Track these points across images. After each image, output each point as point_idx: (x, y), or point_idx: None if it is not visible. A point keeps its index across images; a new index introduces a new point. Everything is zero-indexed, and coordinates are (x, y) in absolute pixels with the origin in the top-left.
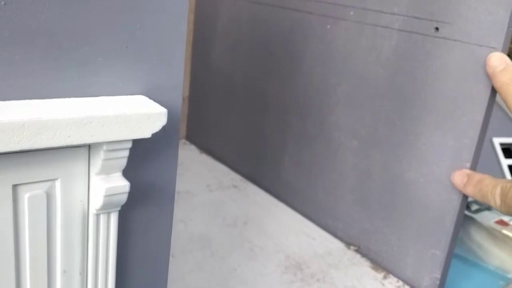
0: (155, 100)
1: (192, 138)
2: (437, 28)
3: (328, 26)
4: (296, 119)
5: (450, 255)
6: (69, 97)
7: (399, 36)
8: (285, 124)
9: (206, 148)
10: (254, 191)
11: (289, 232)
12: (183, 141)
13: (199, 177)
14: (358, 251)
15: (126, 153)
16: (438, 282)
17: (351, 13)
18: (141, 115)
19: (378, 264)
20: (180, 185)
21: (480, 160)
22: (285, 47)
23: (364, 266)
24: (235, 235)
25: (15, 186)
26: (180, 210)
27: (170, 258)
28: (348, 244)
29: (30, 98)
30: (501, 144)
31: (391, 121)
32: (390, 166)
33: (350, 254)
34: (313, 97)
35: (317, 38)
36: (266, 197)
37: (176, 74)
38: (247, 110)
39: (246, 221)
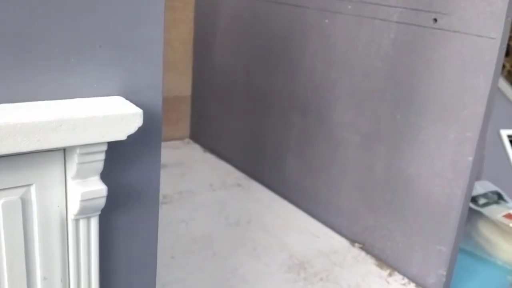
0: (133, 101)
1: (195, 137)
2: (435, 20)
3: (326, 21)
4: (298, 116)
5: (456, 251)
6: (41, 100)
7: (397, 29)
8: (287, 121)
9: (210, 147)
10: (257, 189)
11: (292, 230)
12: (186, 140)
13: (202, 176)
14: (363, 248)
15: (101, 156)
16: (444, 279)
17: (349, 6)
18: (115, 116)
19: (383, 262)
20: (183, 184)
21: (487, 152)
22: (285, 44)
23: (368, 263)
24: (238, 234)
25: None
26: (182, 210)
27: (170, 260)
28: (352, 241)
29: None
30: (509, 136)
31: (392, 115)
32: (393, 161)
33: (355, 252)
34: (314, 93)
35: (316, 33)
36: (270, 195)
37: (155, 73)
38: (249, 109)
39: (249, 220)
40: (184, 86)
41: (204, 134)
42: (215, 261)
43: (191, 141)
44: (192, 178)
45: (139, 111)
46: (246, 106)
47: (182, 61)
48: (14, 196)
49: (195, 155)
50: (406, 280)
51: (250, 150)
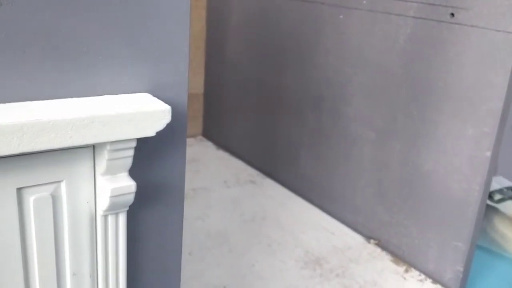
0: (160, 98)
1: (208, 134)
2: (452, 14)
3: (341, 16)
4: (311, 112)
5: (473, 247)
6: (71, 97)
7: (414, 24)
8: (301, 117)
9: (223, 144)
10: (271, 186)
11: (307, 226)
12: (199, 137)
13: (216, 173)
14: (378, 244)
15: (131, 153)
16: (461, 275)
17: (364, 1)
18: (144, 113)
19: (399, 258)
20: (197, 181)
21: (501, 147)
22: (298, 40)
23: (384, 260)
24: (253, 231)
25: (19, 189)
26: (197, 207)
27: (188, 256)
28: (368, 237)
29: (30, 100)
30: None
31: (408, 111)
32: (409, 157)
33: (370, 248)
34: (328, 89)
35: (330, 29)
36: (284, 191)
37: (181, 70)
38: (262, 105)
39: (264, 217)
40: (196, 83)
41: (217, 131)
42: (231, 257)
43: (204, 139)
44: (206, 175)
45: (167, 107)
46: (259, 103)
47: (194, 59)
48: (45, 192)
49: (208, 152)
50: (422, 276)
51: (263, 147)
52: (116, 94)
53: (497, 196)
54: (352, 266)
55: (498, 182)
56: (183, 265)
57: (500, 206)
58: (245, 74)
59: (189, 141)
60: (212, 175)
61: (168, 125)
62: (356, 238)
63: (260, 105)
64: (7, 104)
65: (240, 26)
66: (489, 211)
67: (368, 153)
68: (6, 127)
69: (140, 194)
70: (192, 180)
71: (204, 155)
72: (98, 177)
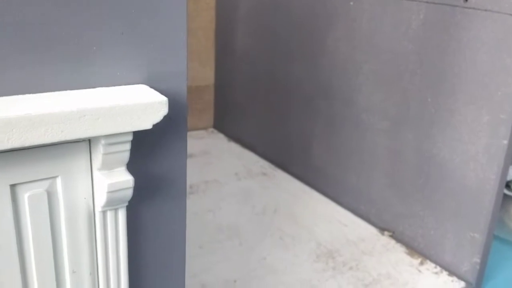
0: (157, 89)
1: (219, 126)
2: None
3: (351, 3)
4: (323, 102)
5: (490, 238)
6: (63, 90)
7: (426, 9)
8: (312, 107)
9: (234, 136)
10: (283, 178)
11: (320, 219)
12: (210, 130)
13: (227, 165)
14: (392, 236)
15: (127, 146)
16: (478, 267)
17: None
18: (139, 105)
19: (414, 250)
20: (208, 174)
21: None
22: (308, 29)
23: (399, 252)
24: (264, 223)
25: (13, 186)
26: (208, 200)
27: (199, 249)
28: (381, 229)
29: (21, 93)
30: None
31: (422, 98)
32: (424, 146)
33: (384, 240)
34: (339, 78)
35: (340, 16)
36: (296, 183)
37: (179, 60)
38: (273, 96)
39: (276, 209)
40: (207, 75)
41: (228, 123)
42: (242, 250)
43: (215, 131)
44: (218, 168)
45: (164, 99)
46: (270, 93)
47: (204, 50)
48: (39, 188)
49: (219, 145)
50: (438, 269)
51: (274, 139)
52: (111, 86)
53: None
54: (365, 258)
55: None
56: (193, 259)
57: None
58: (255, 65)
59: (200, 133)
60: (223, 168)
61: (167, 117)
62: (369, 230)
63: (271, 96)
64: None
65: (250, 16)
66: (506, 200)
67: (381, 142)
68: None
69: (140, 188)
70: (203, 172)
71: (215, 147)
72: (95, 172)
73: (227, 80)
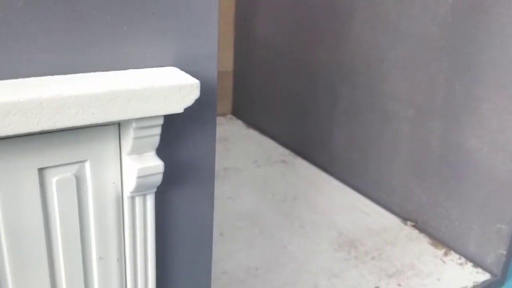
0: (187, 72)
1: (238, 113)
2: None
3: None
4: (345, 88)
5: None
6: (93, 71)
7: None
8: (334, 94)
9: (253, 123)
10: (303, 166)
11: (341, 207)
12: (229, 116)
13: (246, 152)
14: (415, 226)
15: (158, 131)
16: (504, 259)
17: None
18: (171, 87)
19: (438, 240)
20: (227, 161)
21: None
22: (331, 12)
23: (422, 242)
24: (284, 211)
25: (41, 170)
26: (228, 187)
27: (219, 236)
28: (404, 219)
29: (50, 74)
30: None
31: (450, 86)
32: (450, 135)
33: (407, 230)
34: (362, 64)
35: (365, 0)
36: (316, 171)
37: (210, 42)
38: (294, 82)
39: (295, 197)
40: (226, 61)
41: (246, 110)
42: (263, 238)
43: (233, 117)
44: (237, 155)
45: (196, 81)
46: (290, 79)
47: (223, 35)
48: (68, 173)
49: (238, 131)
50: (463, 260)
51: (294, 125)
52: (142, 68)
53: None
54: (388, 248)
55: None
56: (214, 245)
57: None
58: (276, 50)
59: (219, 120)
60: (242, 155)
61: (197, 101)
62: (392, 220)
63: (291, 82)
64: (26, 79)
65: (271, 0)
66: None
67: (405, 131)
68: (25, 103)
69: (169, 174)
70: (222, 159)
71: (234, 134)
72: (124, 157)
73: (246, 66)
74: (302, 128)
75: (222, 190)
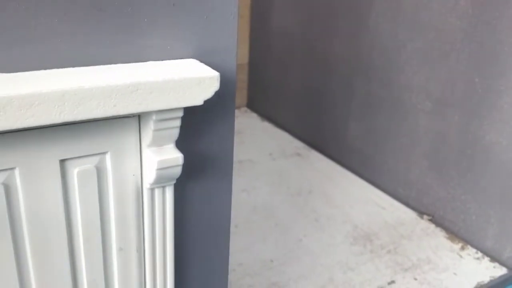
0: (207, 64)
1: (253, 105)
2: None
3: None
4: (361, 80)
5: None
6: (114, 63)
7: None
8: (350, 86)
9: (268, 116)
10: (318, 159)
11: (356, 201)
12: (244, 109)
13: (261, 145)
14: (432, 220)
15: (177, 123)
16: None
17: None
18: (192, 80)
19: (454, 235)
20: (242, 153)
21: None
22: (348, 3)
23: (439, 236)
24: (299, 204)
25: (62, 161)
26: (242, 180)
27: (234, 228)
28: (421, 213)
29: (72, 66)
30: None
31: (469, 79)
32: (469, 128)
33: (424, 224)
34: (380, 56)
35: None
36: (331, 165)
37: (230, 34)
38: (309, 74)
39: (310, 190)
40: (241, 53)
41: (261, 103)
42: (278, 231)
43: (248, 110)
44: (251, 147)
45: (216, 74)
46: (305, 72)
47: (238, 28)
48: (89, 164)
49: (253, 124)
50: (480, 254)
51: (309, 118)
52: (162, 59)
53: None
54: (404, 242)
55: None
56: (230, 239)
57: None
58: (291, 42)
59: None
60: (257, 147)
61: (216, 94)
62: (408, 214)
63: (306, 74)
64: (48, 71)
65: None
66: None
67: (422, 124)
68: (47, 94)
69: (188, 166)
70: (237, 152)
71: (249, 126)
72: (144, 149)
73: (261, 58)
74: (318, 120)
75: (236, 182)
